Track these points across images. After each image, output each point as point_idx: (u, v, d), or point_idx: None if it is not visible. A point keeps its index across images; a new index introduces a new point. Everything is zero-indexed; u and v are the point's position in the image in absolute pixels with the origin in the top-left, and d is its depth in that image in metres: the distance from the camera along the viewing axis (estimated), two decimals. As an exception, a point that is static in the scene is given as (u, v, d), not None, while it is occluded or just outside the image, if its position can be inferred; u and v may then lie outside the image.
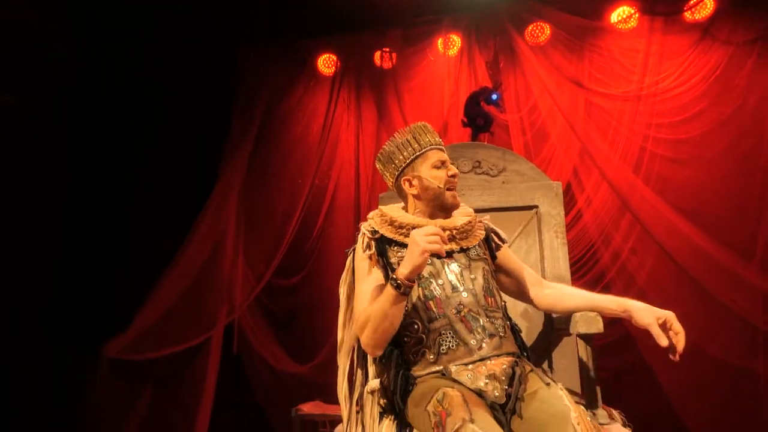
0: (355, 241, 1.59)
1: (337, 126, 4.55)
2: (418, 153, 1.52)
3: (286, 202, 4.35)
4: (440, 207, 1.52)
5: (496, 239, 1.57)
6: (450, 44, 4.41)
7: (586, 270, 3.87)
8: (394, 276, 1.27)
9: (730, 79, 3.80)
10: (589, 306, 1.46)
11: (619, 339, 3.80)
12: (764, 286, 3.50)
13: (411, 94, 4.51)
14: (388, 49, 4.53)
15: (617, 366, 3.89)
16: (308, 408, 2.66)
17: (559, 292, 1.54)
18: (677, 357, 1.32)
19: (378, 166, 1.62)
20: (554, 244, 1.85)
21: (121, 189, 3.93)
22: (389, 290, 1.28)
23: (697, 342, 3.57)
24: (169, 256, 3.79)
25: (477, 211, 1.88)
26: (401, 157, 1.54)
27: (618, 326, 3.80)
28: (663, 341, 1.33)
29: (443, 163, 1.52)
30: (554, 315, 1.63)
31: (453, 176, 1.51)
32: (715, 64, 3.83)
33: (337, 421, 2.89)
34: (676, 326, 1.36)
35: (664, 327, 1.36)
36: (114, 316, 3.64)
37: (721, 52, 3.81)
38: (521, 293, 1.56)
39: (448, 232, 1.45)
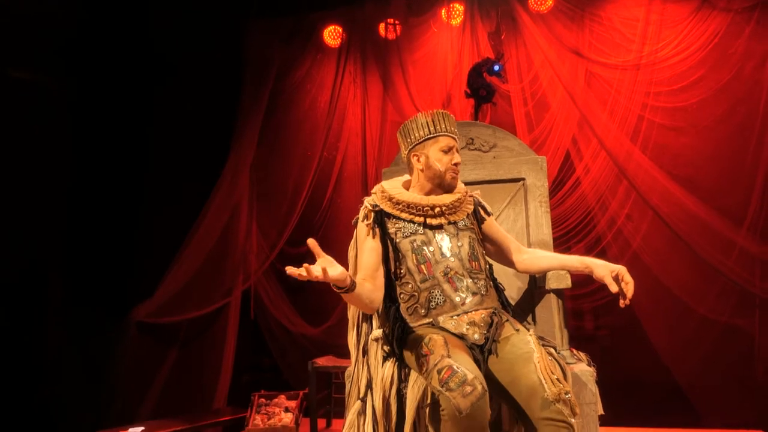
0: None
1: (344, 98, 4.73)
2: (431, 135, 1.73)
3: (297, 174, 4.58)
4: (439, 185, 1.75)
5: (482, 212, 1.81)
6: (453, 13, 4.53)
7: (583, 235, 4.10)
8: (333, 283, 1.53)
9: (727, 47, 3.90)
10: (558, 266, 1.71)
11: (615, 299, 4.06)
12: (754, 250, 3.71)
13: (415, 66, 4.67)
14: (392, 20, 4.68)
15: (613, 323, 4.18)
16: (322, 361, 2.98)
17: (533, 256, 1.79)
18: (627, 302, 1.57)
19: (398, 135, 1.86)
20: (538, 213, 2.09)
21: (141, 166, 4.18)
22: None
23: (687, 302, 3.83)
24: (188, 228, 4.08)
25: (470, 183, 2.12)
26: (416, 135, 1.76)
27: (614, 287, 4.07)
28: (613, 288, 1.58)
29: (451, 149, 1.73)
30: (536, 275, 1.88)
31: (456, 164, 1.74)
32: (713, 32, 3.93)
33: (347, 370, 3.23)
34: (627, 277, 1.59)
35: (617, 278, 1.60)
36: (140, 285, 3.97)
37: (719, 19, 3.90)
38: (504, 258, 1.81)
39: (437, 208, 1.71)
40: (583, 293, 4.09)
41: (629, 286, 1.54)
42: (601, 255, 4.08)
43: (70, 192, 3.84)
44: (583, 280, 3.58)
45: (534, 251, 1.83)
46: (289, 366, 4.44)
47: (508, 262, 1.82)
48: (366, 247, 1.70)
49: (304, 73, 4.79)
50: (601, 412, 1.60)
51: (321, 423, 2.95)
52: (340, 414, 3.31)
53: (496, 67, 4.40)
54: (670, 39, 4.00)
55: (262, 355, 4.64)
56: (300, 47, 4.77)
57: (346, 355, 3.41)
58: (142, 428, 3.37)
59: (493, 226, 1.82)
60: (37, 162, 3.60)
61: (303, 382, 3.50)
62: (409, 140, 1.79)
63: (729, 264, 3.73)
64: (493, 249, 1.80)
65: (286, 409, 2.59)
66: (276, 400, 2.67)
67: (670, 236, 3.85)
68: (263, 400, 2.69)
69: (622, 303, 1.56)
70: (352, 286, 1.50)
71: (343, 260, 4.82)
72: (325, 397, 3.07)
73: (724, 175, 3.84)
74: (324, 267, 1.38)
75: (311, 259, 4.88)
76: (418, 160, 1.76)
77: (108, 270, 3.88)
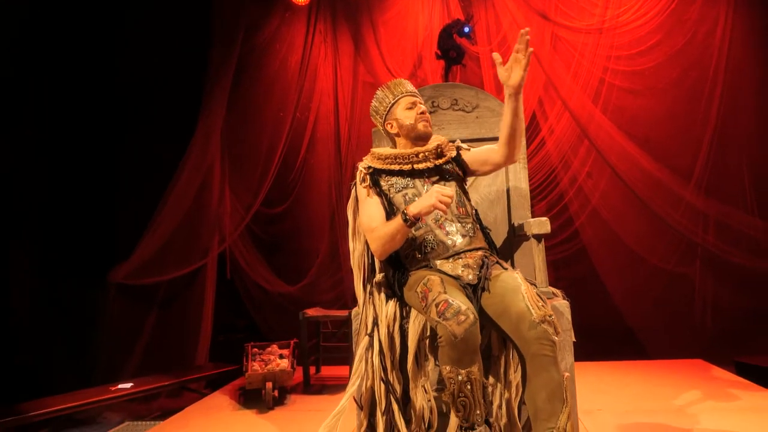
0: (354, 177, 2.02)
1: (314, 58, 4.77)
2: (393, 101, 1.97)
3: (269, 135, 4.63)
4: (416, 137, 1.96)
5: (462, 149, 2.01)
6: (423, -29, 4.61)
7: (547, 192, 4.42)
8: (405, 212, 1.70)
9: (682, 13, 4.21)
10: (506, 118, 1.86)
11: (575, 252, 4.44)
12: (700, 204, 4.13)
13: (386, 26, 4.75)
14: (362, -22, 4.71)
15: (573, 275, 4.56)
16: (312, 312, 3.19)
17: (500, 141, 1.90)
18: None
19: (372, 117, 2.06)
20: (517, 168, 2.32)
21: (113, 129, 4.14)
22: (399, 221, 1.70)
23: (639, 252, 4.24)
24: (163, 190, 4.10)
25: (454, 141, 2.32)
26: (382, 108, 2.00)
27: (575, 241, 4.44)
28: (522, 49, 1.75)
29: (414, 104, 1.96)
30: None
31: (422, 113, 1.96)
32: (670, -2, 4.23)
33: (335, 320, 3.46)
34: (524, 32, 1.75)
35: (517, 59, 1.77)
36: (117, 248, 4.01)
37: (677, -15, 4.19)
38: (493, 162, 1.95)
39: (421, 154, 1.91)
40: (548, 246, 4.43)
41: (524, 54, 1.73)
42: (564, 211, 4.44)
43: (45, 158, 3.79)
44: (549, 233, 3.92)
45: (497, 143, 1.96)
46: (267, 323, 4.61)
47: (498, 161, 1.97)
48: (370, 203, 1.88)
49: (273, 31, 4.77)
50: (574, 339, 1.88)
51: (311, 369, 3.18)
52: (328, 361, 3.57)
53: (466, 29, 4.56)
54: (631, 4, 4.26)
55: (237, 315, 4.79)
56: (268, 4, 4.74)
57: (326, 307, 3.63)
58: (131, 384, 3.50)
59: (473, 151, 2.01)
60: (6, 128, 3.54)
61: (284, 337, 3.71)
62: (379, 115, 2.03)
63: (677, 217, 4.14)
64: (481, 163, 1.98)
65: (281, 356, 2.79)
66: (269, 348, 2.87)
67: (626, 192, 4.22)
68: (256, 349, 2.87)
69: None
70: (416, 224, 1.74)
71: (317, 217, 4.95)
72: (314, 346, 3.30)
73: (675, 136, 4.21)
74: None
75: (287, 219, 4.99)
76: (392, 126, 1.99)
77: (85, 233, 3.90)
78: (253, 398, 2.74)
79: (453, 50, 4.53)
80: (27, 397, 3.18)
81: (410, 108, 1.96)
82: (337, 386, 3.02)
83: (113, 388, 3.44)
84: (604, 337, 4.16)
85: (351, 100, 4.76)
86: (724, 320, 4.04)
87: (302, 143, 4.74)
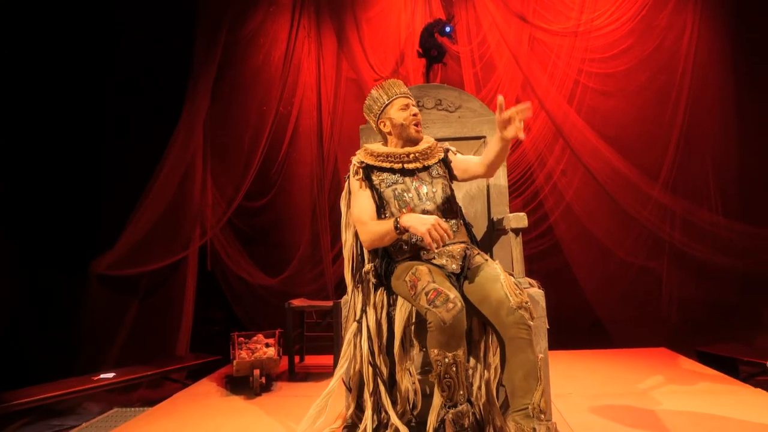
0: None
1: (298, 53, 4.84)
2: (387, 102, 2.06)
3: (252, 129, 4.69)
4: (407, 139, 2.06)
5: (450, 153, 2.15)
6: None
7: (524, 189, 4.60)
8: (398, 221, 1.80)
9: (652, 19, 4.42)
10: (493, 149, 1.93)
11: (550, 246, 4.64)
12: (666, 202, 4.36)
13: (369, 24, 4.85)
14: (345, -25, 4.79)
15: (547, 268, 4.76)
16: (297, 302, 3.28)
17: (483, 158, 2.01)
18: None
19: (364, 114, 2.15)
20: (497, 166, 2.47)
21: (96, 120, 4.14)
22: (390, 226, 1.80)
23: (609, 247, 4.46)
24: (145, 182, 4.13)
25: (438, 139, 2.44)
26: (376, 107, 2.08)
27: (549, 236, 4.64)
28: (517, 129, 1.77)
29: (407, 106, 2.05)
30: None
31: (414, 115, 2.05)
32: (642, 4, 4.41)
33: (319, 310, 3.57)
34: (521, 109, 1.77)
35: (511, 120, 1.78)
36: (99, 239, 4.03)
37: (648, -8, 4.40)
38: (474, 172, 2.06)
39: (412, 155, 2.03)
40: (524, 241, 4.60)
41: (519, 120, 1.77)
42: (539, 207, 4.63)
43: (29, 149, 3.78)
44: (525, 229, 4.09)
45: (481, 156, 2.09)
46: (248, 314, 4.67)
47: (480, 175, 2.08)
48: (362, 195, 1.99)
49: (257, 25, 4.82)
50: (548, 326, 2.03)
51: (295, 358, 3.28)
52: (312, 350, 3.67)
53: (447, 29, 4.69)
54: (605, 8, 4.46)
55: (217, 307, 4.84)
56: (252, -1, 4.79)
57: (310, 299, 3.72)
58: (113, 374, 3.55)
59: (459, 158, 2.14)
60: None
61: (265, 329, 3.77)
62: (373, 113, 2.11)
63: (645, 214, 4.37)
64: (464, 171, 2.11)
65: (267, 345, 2.88)
66: (255, 338, 2.96)
67: (597, 190, 4.43)
68: (242, 339, 2.96)
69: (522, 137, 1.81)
70: (404, 233, 1.83)
71: (298, 210, 5.03)
72: (299, 335, 3.40)
73: (644, 136, 4.43)
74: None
75: (269, 212, 5.06)
76: (385, 125, 2.09)
77: (68, 224, 3.90)
78: (240, 385, 2.83)
79: (434, 49, 4.66)
80: (8, 386, 3.20)
81: (403, 109, 2.05)
82: (321, 374, 3.13)
83: (95, 378, 3.48)
84: (575, 327, 4.37)
85: (334, 96, 4.85)
86: (687, 312, 4.28)
87: (285, 137, 4.80)
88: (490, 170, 2.03)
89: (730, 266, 4.16)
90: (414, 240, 1.94)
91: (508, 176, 4.53)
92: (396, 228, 1.81)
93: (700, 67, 4.36)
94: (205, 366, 3.88)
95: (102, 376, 3.50)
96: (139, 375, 3.62)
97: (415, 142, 2.07)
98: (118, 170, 4.22)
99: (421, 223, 1.74)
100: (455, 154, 2.14)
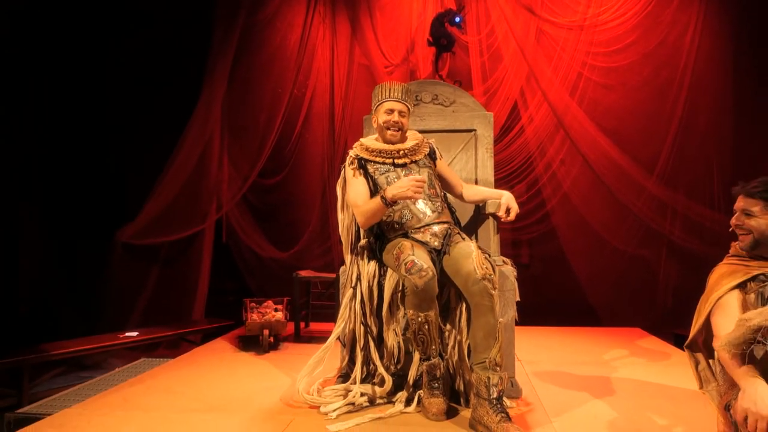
0: (344, 158, 2.52)
1: (313, 38, 5.19)
2: (380, 102, 2.40)
3: (268, 110, 5.06)
4: (384, 140, 2.42)
5: (437, 155, 2.52)
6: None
7: (524, 176, 4.93)
8: (383, 195, 2.17)
9: (657, 15, 4.67)
10: (486, 196, 2.47)
11: (546, 232, 4.99)
12: (660, 194, 4.67)
13: (382, 12, 5.17)
14: (361, -36, 5.10)
15: (543, 253, 5.13)
16: (304, 273, 3.71)
17: (470, 191, 2.53)
18: (507, 219, 2.38)
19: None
20: (485, 157, 2.82)
21: (120, 99, 4.56)
22: (378, 202, 2.17)
23: (604, 235, 4.80)
24: (167, 158, 4.55)
25: (432, 131, 2.81)
26: (373, 104, 2.46)
27: (546, 223, 4.99)
28: (501, 211, 2.37)
29: (392, 111, 2.36)
30: (479, 206, 2.62)
31: (394, 122, 2.33)
32: (648, 0, 4.68)
33: (324, 281, 3.99)
34: (513, 211, 2.36)
35: (508, 208, 2.38)
36: (125, 210, 4.49)
37: (655, -12, 4.64)
38: (452, 191, 2.54)
39: (401, 151, 2.39)
40: (522, 226, 4.99)
41: (512, 215, 2.36)
42: (537, 194, 4.98)
43: (60, 128, 4.22)
44: (523, 214, 4.43)
45: (471, 186, 2.57)
46: (259, 285, 5.11)
47: (456, 193, 2.55)
48: (357, 182, 2.37)
49: (274, 9, 5.15)
50: (517, 298, 2.41)
51: (301, 324, 3.73)
52: (316, 317, 4.11)
53: (457, 19, 5.00)
54: (612, 3, 4.71)
55: (231, 278, 5.29)
56: (270, -17, 5.11)
57: (317, 271, 4.14)
58: (137, 333, 4.03)
59: (443, 166, 2.53)
60: (19, 97, 3.93)
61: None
62: (372, 108, 2.49)
63: (639, 205, 4.69)
64: (444, 183, 2.51)
65: (276, 310, 3.32)
66: (265, 303, 3.39)
67: (594, 180, 4.75)
68: (254, 304, 3.39)
69: (503, 218, 2.38)
70: (392, 204, 2.21)
71: (310, 189, 5.44)
72: (305, 303, 3.83)
73: (642, 130, 4.72)
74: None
75: (282, 190, 5.50)
76: (375, 122, 2.46)
77: (96, 196, 4.37)
78: (251, 344, 3.28)
79: (444, 38, 4.96)
80: (43, 340, 3.68)
81: (387, 113, 2.38)
82: (323, 337, 3.50)
83: (121, 336, 3.97)
84: (567, 308, 4.75)
85: (346, 81, 5.20)
86: (674, 299, 4.63)
87: (298, 119, 5.17)
88: (465, 200, 2.57)
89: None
90: (404, 220, 2.32)
91: (510, 163, 4.93)
92: (384, 202, 2.17)
93: (702, 63, 4.61)
94: (218, 330, 4.34)
95: (127, 334, 3.99)
96: (160, 335, 4.09)
97: (390, 142, 2.42)
98: (142, 147, 4.65)
99: (401, 188, 2.13)
100: (440, 158, 2.52)
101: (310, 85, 5.22)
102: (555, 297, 4.93)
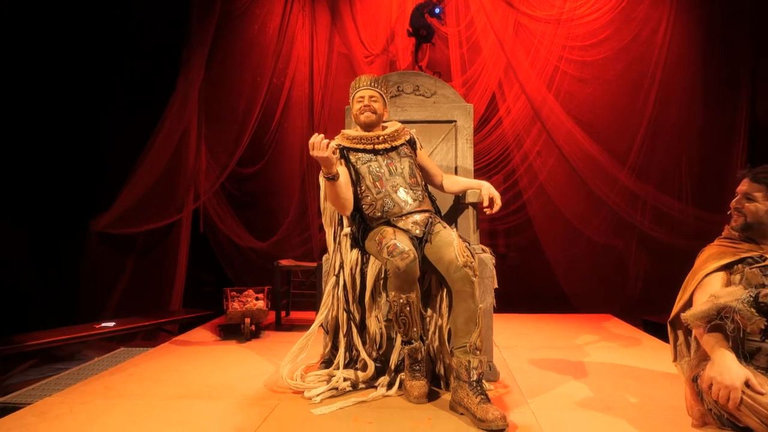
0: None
1: (292, 26, 5.16)
2: (353, 93, 2.50)
3: (246, 98, 5.04)
4: (361, 125, 2.49)
5: (417, 145, 2.58)
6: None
7: (501, 167, 5.03)
8: (323, 175, 2.25)
9: (631, 11, 4.80)
10: (466, 186, 2.56)
11: (523, 222, 5.12)
12: (631, 185, 4.83)
13: (362, 1, 5.16)
14: (340, -49, 5.09)
15: (519, 242, 5.26)
16: (285, 262, 3.74)
17: (449, 181, 2.61)
18: (491, 212, 2.46)
19: None
20: (464, 148, 2.89)
21: (96, 86, 4.47)
22: (323, 180, 2.28)
23: (577, 225, 4.95)
24: (143, 146, 4.50)
25: (414, 122, 2.86)
26: (350, 97, 2.53)
27: (522, 213, 5.11)
28: (485, 202, 2.45)
29: (362, 98, 2.45)
30: (458, 196, 2.69)
31: (366, 105, 2.42)
32: (622, -4, 4.81)
33: (305, 270, 4.03)
34: (497, 200, 2.46)
35: (491, 198, 2.46)
36: (99, 199, 4.43)
37: (629, -16, 4.77)
38: (432, 181, 2.60)
39: (381, 137, 2.44)
40: (499, 216, 5.08)
41: (496, 205, 2.44)
42: (514, 185, 5.09)
43: (34, 113, 4.13)
44: (501, 205, 4.52)
45: (451, 176, 2.65)
46: (238, 275, 5.11)
47: (435, 184, 2.62)
48: (340, 170, 2.42)
49: (251, -4, 5.13)
50: (496, 285, 2.49)
51: (282, 312, 3.76)
52: (296, 306, 4.14)
53: (437, 10, 5.04)
54: (587, -2, 4.84)
55: (209, 268, 5.28)
56: (247, -31, 5.07)
57: (297, 260, 4.17)
58: (114, 323, 4.00)
59: (424, 156, 2.59)
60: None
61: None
62: (349, 100, 2.54)
63: (612, 196, 4.84)
64: (424, 174, 2.58)
65: (257, 299, 3.34)
66: (246, 292, 3.41)
67: (569, 171, 4.88)
68: (234, 293, 3.41)
69: (487, 211, 2.45)
70: (336, 177, 2.24)
71: (289, 178, 5.45)
72: (285, 292, 3.86)
73: (616, 123, 4.86)
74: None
75: (261, 179, 5.50)
76: (351, 111, 2.53)
77: (69, 184, 4.29)
78: (232, 333, 3.30)
79: (424, 29, 5.01)
80: (16, 332, 3.63)
81: (359, 101, 2.47)
82: (304, 326, 3.57)
83: (97, 326, 3.94)
84: (542, 296, 4.90)
85: (326, 69, 5.21)
86: (644, 287, 4.81)
87: (277, 107, 5.16)
88: (445, 191, 2.65)
89: (686, 247, 4.66)
90: (386, 208, 2.37)
91: (487, 154, 5.02)
92: (325, 177, 2.25)
93: (672, 60, 4.77)
94: (197, 319, 4.33)
95: (103, 324, 3.96)
96: (138, 325, 4.07)
97: (370, 127, 2.48)
98: (117, 134, 4.59)
99: (320, 160, 2.19)
100: (421, 148, 2.59)
101: (289, 73, 5.21)
102: (530, 285, 5.07)
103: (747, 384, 1.64)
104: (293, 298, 3.92)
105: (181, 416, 2.03)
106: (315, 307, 3.87)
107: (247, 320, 3.15)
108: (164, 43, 4.71)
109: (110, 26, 4.54)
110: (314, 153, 2.16)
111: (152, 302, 4.63)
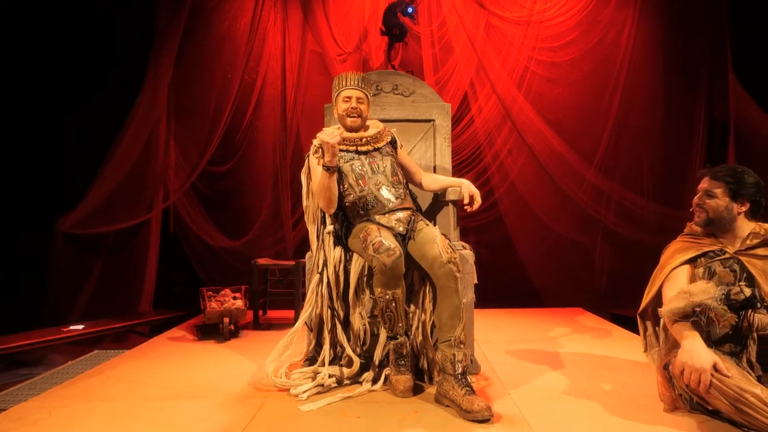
0: (309, 141, 2.57)
1: (264, 23, 5.13)
2: (337, 92, 2.49)
3: (217, 96, 4.99)
4: (345, 126, 2.51)
5: (398, 144, 2.62)
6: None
7: (473, 165, 5.14)
8: (323, 163, 2.26)
9: (597, 14, 4.98)
10: (446, 184, 2.61)
11: (494, 219, 5.23)
12: (598, 184, 5.01)
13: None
14: (312, -52, 5.09)
15: (491, 239, 5.37)
16: (262, 261, 3.73)
17: (429, 179, 2.66)
18: (472, 209, 2.51)
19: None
20: (443, 146, 2.95)
21: (59, 81, 4.34)
22: (322, 172, 2.27)
23: (546, 221, 5.10)
24: (110, 144, 4.40)
25: (393, 121, 2.91)
26: (333, 95, 2.54)
27: (494, 210, 5.23)
28: (466, 199, 2.50)
29: (349, 98, 2.46)
30: (437, 194, 2.75)
31: (353, 108, 2.43)
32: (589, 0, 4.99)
33: (282, 269, 4.02)
34: (477, 197, 2.52)
35: (471, 196, 2.52)
36: (64, 198, 4.30)
37: (596, -12, 4.94)
38: (412, 179, 2.65)
39: (364, 139, 2.47)
40: (471, 214, 5.18)
41: (476, 203, 2.49)
42: (486, 183, 5.20)
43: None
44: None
45: (430, 175, 2.70)
46: (210, 275, 5.05)
47: (415, 182, 2.66)
48: (320, 170, 2.44)
49: (222, -9, 5.07)
50: (475, 281, 2.56)
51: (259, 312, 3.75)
52: (273, 305, 4.13)
53: (410, 9, 5.10)
54: (556, 1, 4.98)
55: (180, 268, 5.20)
56: (217, -37, 5.01)
57: (273, 258, 4.16)
58: (83, 326, 3.91)
59: (404, 155, 2.64)
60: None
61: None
62: (332, 99, 2.55)
63: (579, 194, 5.02)
64: (404, 172, 2.62)
65: (234, 298, 3.32)
66: (223, 292, 3.39)
67: (539, 169, 5.03)
68: (210, 293, 3.38)
69: (468, 209, 2.49)
70: (336, 169, 2.29)
71: (261, 177, 5.42)
72: (262, 291, 3.85)
73: (583, 123, 5.04)
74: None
75: (232, 177, 5.44)
76: (335, 111, 2.55)
77: (33, 183, 4.16)
78: (210, 333, 3.27)
79: (396, 28, 5.06)
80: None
81: (345, 101, 2.47)
82: (282, 324, 3.61)
83: (65, 329, 3.84)
84: (513, 290, 5.02)
85: (298, 67, 5.19)
86: (610, 281, 5.00)
87: (249, 105, 5.12)
88: (425, 189, 2.68)
89: (648, 242, 4.88)
90: (369, 206, 2.42)
91: (460, 152, 5.11)
92: (326, 168, 2.27)
93: (635, 62, 4.98)
94: (169, 321, 4.27)
95: (72, 327, 3.86)
96: (108, 327, 3.98)
97: (355, 130, 2.50)
98: (84, 131, 4.46)
99: (327, 152, 2.24)
100: (401, 147, 2.63)
101: (261, 71, 5.17)
102: (502, 281, 5.18)
103: (715, 368, 1.76)
104: (270, 297, 3.91)
105: (166, 417, 2.02)
106: (292, 305, 3.91)
107: (226, 320, 3.13)
108: (132, 37, 4.61)
109: (76, 19, 4.40)
110: (324, 137, 2.21)
111: (121, 304, 4.54)
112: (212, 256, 5.07)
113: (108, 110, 4.49)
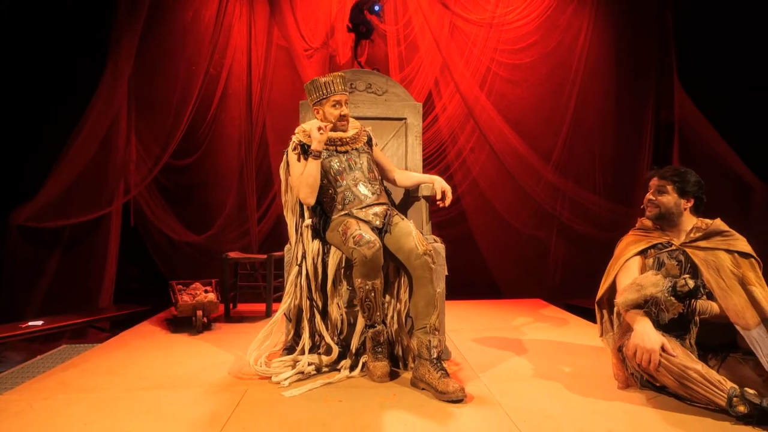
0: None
1: (229, 15, 5.14)
2: (325, 96, 2.57)
3: (180, 88, 4.95)
4: (334, 129, 2.63)
5: (373, 142, 2.76)
6: (339, -54, 5.16)
7: (437, 162, 5.33)
8: (310, 150, 2.42)
9: (556, 19, 5.26)
10: (419, 181, 2.76)
11: (456, 215, 5.45)
12: (555, 181, 5.31)
13: (302, -7, 5.26)
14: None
15: (453, 234, 5.58)
16: (233, 254, 3.78)
17: (402, 176, 2.81)
18: (444, 204, 2.65)
19: (305, 89, 2.65)
20: (414, 144, 3.11)
21: (20, 70, 4.22)
22: (310, 160, 2.43)
23: (506, 217, 5.36)
24: (69, 135, 4.32)
25: (366, 119, 3.04)
26: (315, 96, 2.60)
27: (456, 206, 5.44)
28: (438, 195, 2.65)
29: (339, 103, 2.56)
30: (409, 190, 2.92)
31: (343, 116, 2.56)
32: (548, 4, 5.24)
33: (253, 261, 4.07)
34: (449, 193, 2.67)
35: (444, 192, 2.67)
36: (19, 190, 4.20)
37: (555, -6, 5.22)
38: (386, 176, 2.80)
39: (344, 140, 2.59)
40: (435, 209, 5.37)
41: (448, 198, 2.65)
42: (449, 180, 5.31)
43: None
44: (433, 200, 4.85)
45: (403, 171, 2.85)
46: (172, 270, 5.02)
47: (389, 179, 2.82)
48: (299, 166, 2.53)
49: (185, -18, 5.04)
50: (446, 272, 2.74)
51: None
52: (243, 299, 4.19)
53: (377, 7, 5.23)
54: (517, 4, 5.23)
55: (139, 263, 5.16)
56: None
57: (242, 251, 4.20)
58: (41, 322, 3.85)
59: (379, 153, 2.79)
60: None
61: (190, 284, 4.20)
62: (312, 97, 2.63)
63: (537, 191, 5.30)
64: (379, 168, 2.77)
65: (206, 291, 3.37)
66: (193, 285, 3.43)
67: (500, 167, 5.27)
68: (180, 286, 3.42)
69: (440, 204, 2.64)
70: (320, 156, 2.46)
71: (226, 171, 5.45)
72: (233, 284, 3.89)
73: (541, 123, 5.32)
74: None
75: (196, 171, 5.45)
76: (318, 113, 2.64)
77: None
78: (182, 326, 3.31)
79: (363, 25, 5.17)
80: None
81: (335, 107, 2.57)
82: (254, 317, 3.68)
83: (23, 325, 3.77)
84: (475, 283, 5.25)
85: (264, 61, 5.23)
86: (565, 274, 5.31)
87: (214, 98, 5.12)
88: (398, 185, 2.85)
89: (600, 237, 5.21)
90: (346, 201, 2.55)
91: (424, 150, 5.26)
92: (314, 156, 2.44)
93: (590, 66, 5.29)
94: (131, 316, 4.25)
95: (30, 323, 3.79)
96: (68, 323, 3.93)
97: (337, 131, 2.63)
98: (41, 122, 4.37)
99: (315, 139, 2.44)
100: (376, 145, 2.78)
101: (226, 64, 5.18)
102: (464, 274, 5.41)
103: (663, 349, 2.00)
104: (240, 289, 3.97)
105: (151, 406, 2.09)
106: (261, 298, 3.98)
107: (199, 312, 3.18)
108: (92, 27, 4.53)
109: (34, 7, 4.29)
110: (314, 129, 2.39)
111: (80, 299, 4.48)
112: (175, 250, 5.06)
113: (68, 100, 4.41)
